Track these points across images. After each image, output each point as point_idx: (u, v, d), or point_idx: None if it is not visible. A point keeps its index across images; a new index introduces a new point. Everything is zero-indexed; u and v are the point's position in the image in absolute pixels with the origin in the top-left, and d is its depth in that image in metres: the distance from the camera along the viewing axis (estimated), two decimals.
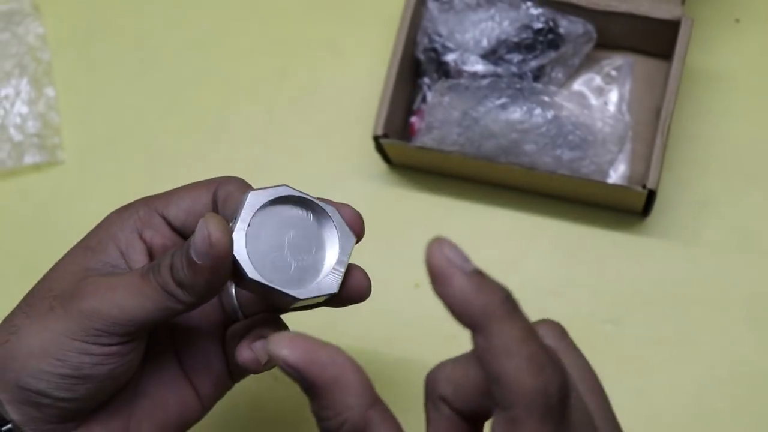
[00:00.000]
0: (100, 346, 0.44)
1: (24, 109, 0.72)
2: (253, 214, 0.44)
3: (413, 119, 0.68)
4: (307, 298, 0.44)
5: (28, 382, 0.44)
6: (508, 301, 0.33)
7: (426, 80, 0.68)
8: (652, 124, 0.65)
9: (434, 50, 0.66)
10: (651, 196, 0.61)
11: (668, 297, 0.64)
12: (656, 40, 0.66)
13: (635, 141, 0.66)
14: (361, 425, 0.34)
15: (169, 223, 0.47)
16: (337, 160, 0.69)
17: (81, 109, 0.73)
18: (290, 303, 0.44)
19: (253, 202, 0.44)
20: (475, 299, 0.32)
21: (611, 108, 0.67)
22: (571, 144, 0.62)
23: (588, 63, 0.68)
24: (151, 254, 0.47)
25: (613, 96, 0.67)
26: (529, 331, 0.33)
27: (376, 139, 0.64)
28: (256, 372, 0.46)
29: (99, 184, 0.71)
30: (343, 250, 0.45)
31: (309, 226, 0.45)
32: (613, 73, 0.68)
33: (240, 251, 0.43)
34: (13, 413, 0.44)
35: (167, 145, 0.71)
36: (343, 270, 0.45)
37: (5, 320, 0.46)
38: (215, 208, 0.47)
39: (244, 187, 0.47)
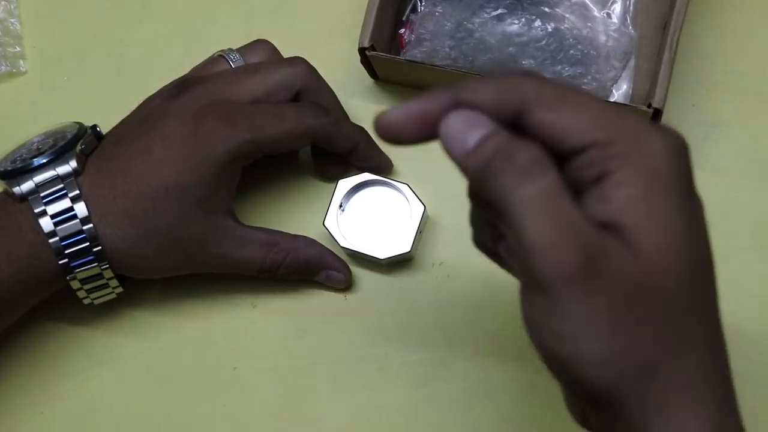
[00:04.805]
0: None
1: None
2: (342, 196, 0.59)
3: (402, 31, 0.65)
4: (386, 257, 0.59)
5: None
6: None
7: None
8: (659, 39, 0.62)
9: None
10: (656, 116, 0.58)
11: None
12: None
13: (639, 57, 0.63)
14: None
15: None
16: (321, 74, 0.65)
17: (44, 16, 0.70)
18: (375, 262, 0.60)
19: (342, 187, 0.59)
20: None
21: (615, 21, 0.64)
22: (572, 59, 0.60)
23: None
24: None
25: (618, 8, 0.64)
26: None
27: (361, 51, 0.61)
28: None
29: (64, 96, 0.68)
30: (413, 219, 0.58)
31: (388, 200, 0.59)
32: None
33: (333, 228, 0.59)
34: None
35: (138, 56, 0.69)
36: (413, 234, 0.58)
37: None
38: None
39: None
